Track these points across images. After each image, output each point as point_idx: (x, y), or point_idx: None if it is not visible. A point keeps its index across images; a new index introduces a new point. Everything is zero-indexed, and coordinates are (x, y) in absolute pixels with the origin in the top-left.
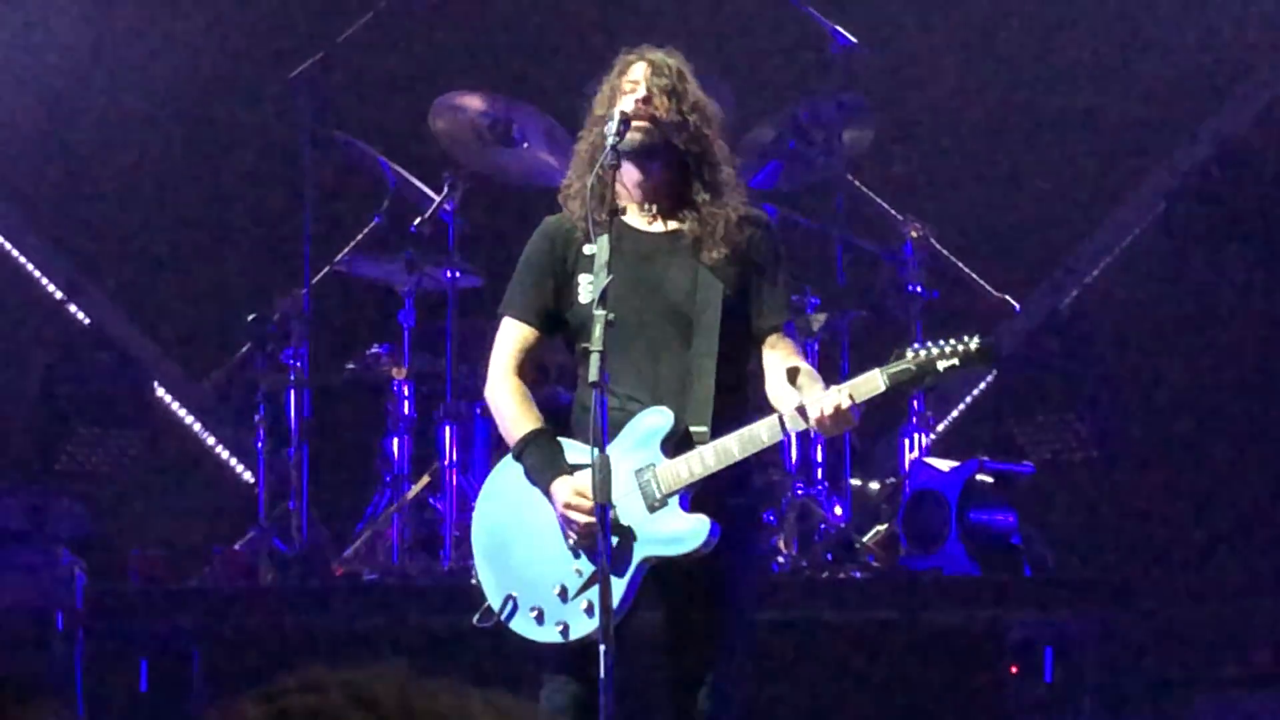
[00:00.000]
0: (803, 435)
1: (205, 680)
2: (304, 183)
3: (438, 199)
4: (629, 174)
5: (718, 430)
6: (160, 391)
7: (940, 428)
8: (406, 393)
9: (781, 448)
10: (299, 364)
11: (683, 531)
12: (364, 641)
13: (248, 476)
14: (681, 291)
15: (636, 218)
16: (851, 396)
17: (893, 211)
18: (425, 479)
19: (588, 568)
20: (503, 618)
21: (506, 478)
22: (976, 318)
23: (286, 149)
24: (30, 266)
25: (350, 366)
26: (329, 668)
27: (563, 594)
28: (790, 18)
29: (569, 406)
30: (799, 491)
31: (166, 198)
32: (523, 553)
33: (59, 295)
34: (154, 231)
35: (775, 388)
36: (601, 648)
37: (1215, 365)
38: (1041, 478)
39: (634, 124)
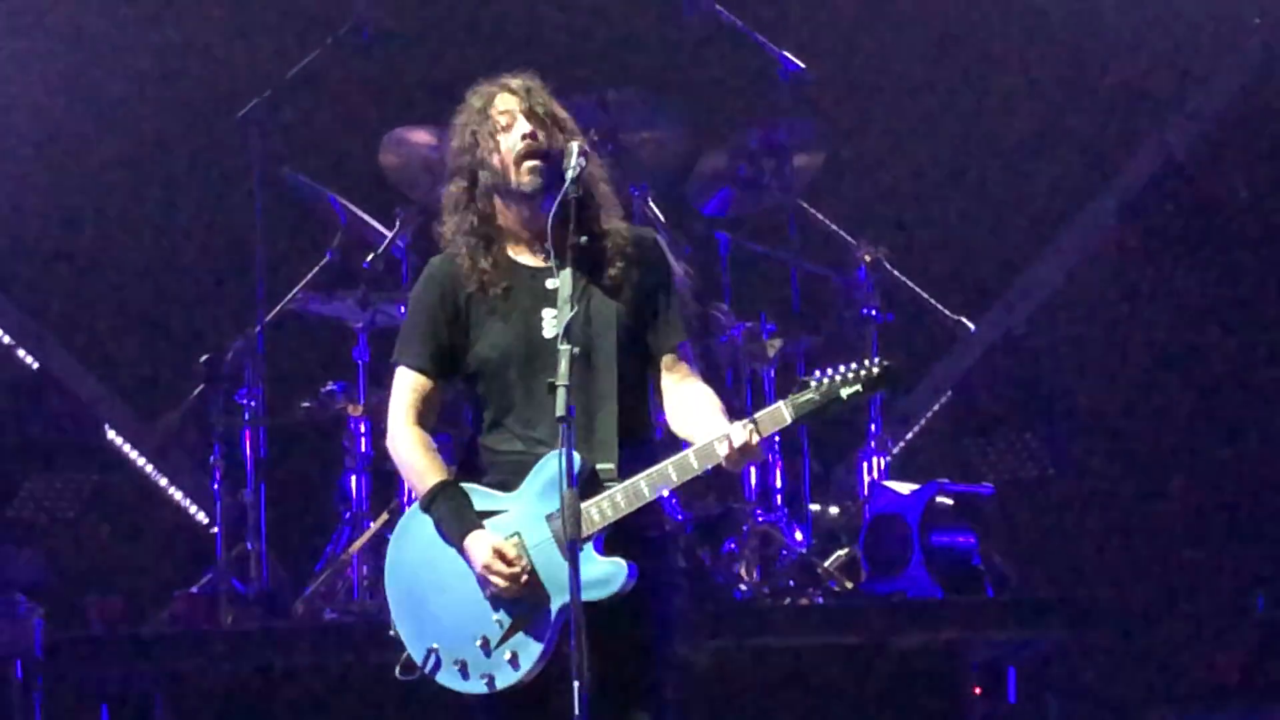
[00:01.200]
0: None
1: None
2: (255, 222)
3: (390, 235)
4: (516, 213)
5: (624, 464)
6: (111, 435)
7: (896, 450)
8: (363, 430)
9: (740, 475)
10: (254, 404)
11: (601, 576)
12: (326, 681)
13: (202, 518)
14: (575, 325)
15: (526, 255)
16: (759, 432)
17: (846, 236)
18: (384, 516)
19: (508, 618)
20: (426, 670)
21: (417, 526)
22: (932, 340)
23: (236, 189)
24: None
25: (306, 405)
26: (295, 708)
27: (485, 646)
28: (739, 45)
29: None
30: (759, 518)
31: (115, 239)
32: (441, 604)
33: (6, 340)
34: (103, 273)
35: (678, 416)
36: (575, 684)
37: (1169, 380)
38: (999, 497)
39: (526, 164)
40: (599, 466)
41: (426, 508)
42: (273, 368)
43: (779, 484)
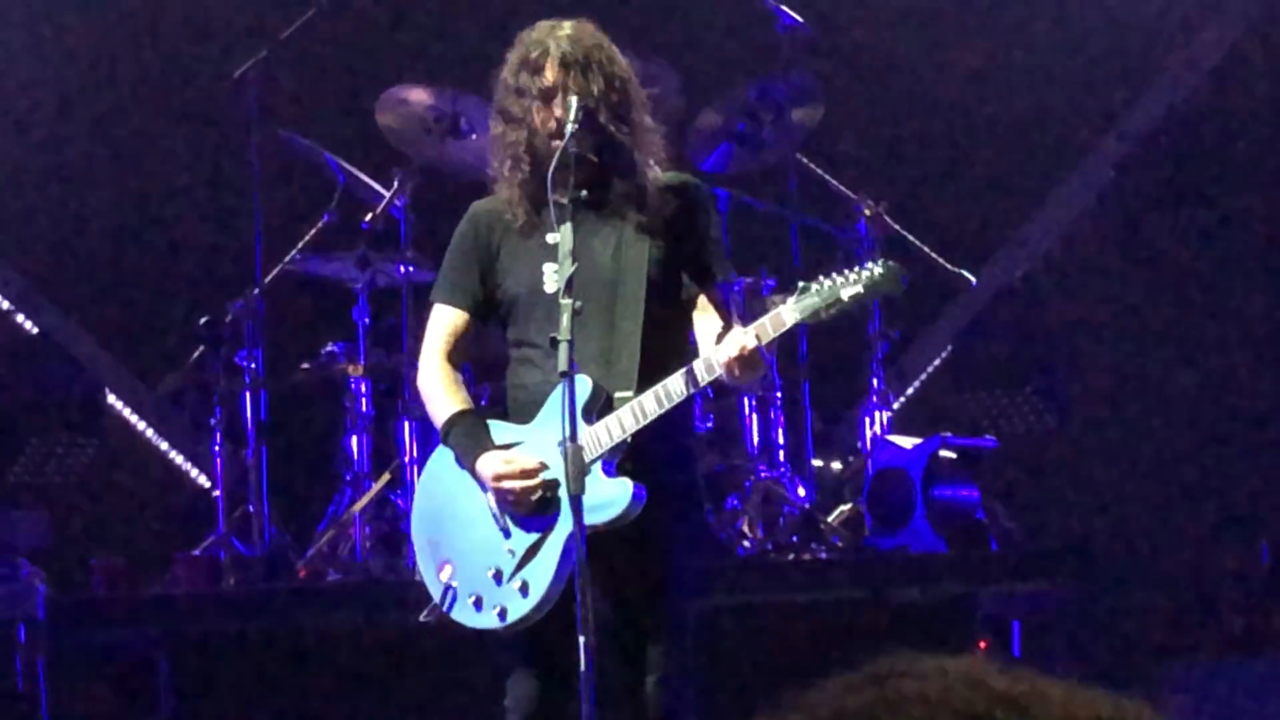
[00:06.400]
0: (763, 416)
1: (172, 688)
2: (252, 183)
3: (388, 194)
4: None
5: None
6: (112, 399)
7: (898, 404)
8: (364, 390)
9: (742, 431)
10: (253, 366)
11: (606, 498)
12: (331, 642)
13: (203, 481)
14: (605, 260)
15: (561, 194)
16: (758, 337)
17: (845, 190)
18: (386, 476)
19: (519, 547)
20: (444, 608)
21: (439, 467)
22: (934, 293)
23: (233, 150)
24: None
25: (306, 366)
26: (298, 669)
27: (497, 576)
28: None
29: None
30: (762, 474)
31: (113, 202)
32: (457, 540)
33: (5, 305)
34: (101, 237)
35: (705, 346)
36: (581, 640)
37: (1168, 332)
38: (1001, 451)
39: (555, 142)
40: (617, 395)
41: (445, 438)
42: (272, 329)
43: (781, 440)
